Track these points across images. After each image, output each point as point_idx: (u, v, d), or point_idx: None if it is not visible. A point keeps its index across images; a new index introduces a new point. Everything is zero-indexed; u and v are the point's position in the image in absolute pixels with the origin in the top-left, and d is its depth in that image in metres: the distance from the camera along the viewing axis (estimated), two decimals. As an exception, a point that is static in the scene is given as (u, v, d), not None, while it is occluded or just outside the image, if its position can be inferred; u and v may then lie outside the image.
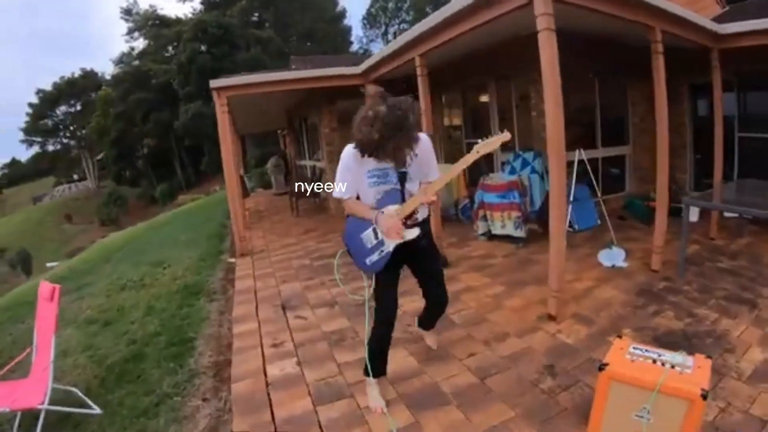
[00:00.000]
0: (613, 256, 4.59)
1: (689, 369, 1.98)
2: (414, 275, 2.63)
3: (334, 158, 8.72)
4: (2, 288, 16.53)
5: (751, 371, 2.61)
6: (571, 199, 5.26)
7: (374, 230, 2.33)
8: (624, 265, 4.46)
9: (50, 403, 2.82)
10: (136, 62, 41.77)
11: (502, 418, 2.38)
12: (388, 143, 2.04)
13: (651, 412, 1.97)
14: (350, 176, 2.32)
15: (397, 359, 3.02)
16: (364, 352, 2.54)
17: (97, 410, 3.01)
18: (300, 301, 4.32)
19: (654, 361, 2.04)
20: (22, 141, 50.31)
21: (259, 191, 16.69)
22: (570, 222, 5.80)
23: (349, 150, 2.26)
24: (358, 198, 2.42)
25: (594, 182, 5.36)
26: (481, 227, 5.69)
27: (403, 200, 2.32)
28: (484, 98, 7.07)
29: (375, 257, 2.36)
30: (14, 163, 71.14)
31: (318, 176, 9.85)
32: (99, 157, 47.00)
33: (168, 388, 3.20)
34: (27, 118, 48.24)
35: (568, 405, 2.45)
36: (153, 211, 31.01)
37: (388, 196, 2.32)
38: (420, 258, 2.52)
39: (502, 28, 4.32)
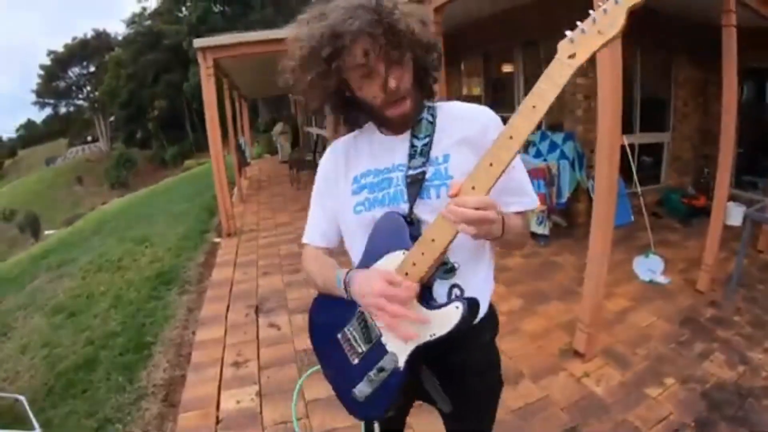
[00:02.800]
0: (650, 267, 3.87)
1: None
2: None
3: (341, 129, 8.03)
4: (12, 252, 16.58)
5: None
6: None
7: (360, 317, 1.01)
8: (664, 281, 3.73)
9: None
10: (148, 23, 40.78)
11: None
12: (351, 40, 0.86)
13: None
14: (323, 200, 1.15)
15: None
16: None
17: (36, 431, 2.70)
18: (277, 303, 3.71)
19: None
20: (34, 103, 50.13)
21: (266, 157, 16.07)
22: None
23: (329, 149, 1.18)
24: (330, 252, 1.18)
25: (634, 172, 4.59)
26: None
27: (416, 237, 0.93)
28: (507, 67, 6.23)
29: (367, 389, 1.00)
30: (29, 124, 71.35)
31: (322, 146, 9.16)
32: (111, 119, 46.70)
33: (111, 411, 2.80)
34: (39, 80, 47.94)
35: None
36: (163, 174, 30.81)
37: (383, 229, 1.00)
38: (456, 389, 1.07)
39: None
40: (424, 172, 0.98)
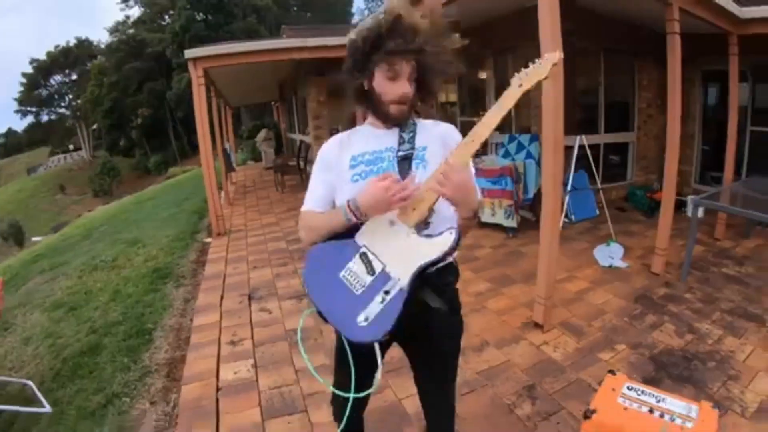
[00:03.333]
0: (610, 254, 4.26)
1: (692, 422, 1.66)
2: (410, 364, 1.55)
3: (322, 134, 8.41)
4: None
5: (756, 406, 2.29)
6: (569, 188, 4.91)
7: (362, 255, 1.26)
8: (622, 265, 4.12)
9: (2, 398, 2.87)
10: (131, 31, 40.67)
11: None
12: (381, 47, 1.27)
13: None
14: (323, 175, 1.42)
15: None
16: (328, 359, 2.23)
17: (46, 409, 2.91)
18: (268, 291, 4.02)
19: (651, 410, 1.71)
20: (17, 111, 49.49)
21: (250, 164, 16.27)
22: (566, 212, 5.47)
23: (326, 146, 1.46)
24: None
25: (594, 170, 4.99)
26: None
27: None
28: (482, 74, 6.63)
29: (375, 309, 1.20)
30: (10, 133, 70.31)
31: (304, 152, 9.47)
32: (94, 127, 46.29)
33: (118, 387, 3.01)
34: (21, 88, 47.33)
35: (546, 437, 2.13)
36: (146, 182, 30.67)
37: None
38: (425, 334, 1.42)
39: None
40: (411, 153, 1.32)
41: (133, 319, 3.92)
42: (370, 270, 1.24)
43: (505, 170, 4.74)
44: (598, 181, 5.07)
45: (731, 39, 4.47)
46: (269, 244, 5.47)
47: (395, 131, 1.37)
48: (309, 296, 1.31)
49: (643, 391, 1.80)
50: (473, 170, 1.33)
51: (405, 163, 1.31)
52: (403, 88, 1.30)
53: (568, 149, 4.79)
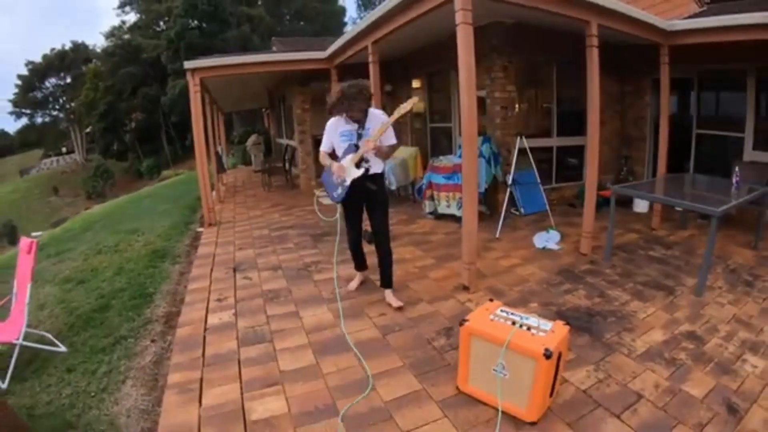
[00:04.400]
0: (547, 239, 4.97)
1: (544, 332, 2.18)
2: (367, 213, 3.60)
3: (306, 139, 9.12)
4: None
5: (644, 350, 2.80)
6: (509, 181, 5.65)
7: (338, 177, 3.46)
8: (556, 247, 4.83)
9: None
10: (127, 36, 41.25)
11: (389, 366, 2.76)
12: (346, 103, 3.23)
13: (506, 367, 2.18)
14: (328, 136, 3.49)
15: (318, 314, 3.53)
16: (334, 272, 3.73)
17: (63, 348, 3.53)
18: (249, 265, 4.77)
19: (513, 323, 2.25)
20: (11, 113, 49.85)
21: (240, 167, 16.98)
22: (516, 205, 6.21)
23: (330, 120, 3.46)
24: (333, 153, 3.53)
25: (534, 169, 5.75)
26: (428, 206, 6.11)
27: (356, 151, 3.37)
28: (441, 86, 7.41)
29: (339, 190, 3.40)
30: (2, 135, 70.28)
31: (290, 155, 10.18)
32: (87, 130, 46.69)
33: (125, 332, 3.72)
34: (16, 90, 47.73)
35: (452, 361, 2.74)
36: (139, 185, 31.05)
37: (349, 149, 3.36)
38: (370, 200, 3.51)
39: (437, 23, 4.60)
40: (361, 134, 3.35)
41: (136, 286, 4.64)
42: (339, 179, 3.40)
43: (457, 167, 5.50)
44: (538, 178, 5.82)
45: (662, 50, 5.11)
46: (254, 232, 6.21)
47: (357, 125, 3.38)
48: (322, 179, 3.63)
49: (512, 313, 2.37)
50: (383, 145, 3.36)
51: (358, 136, 3.35)
52: (357, 113, 3.33)
53: (522, 151, 5.54)
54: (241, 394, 2.56)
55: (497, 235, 5.28)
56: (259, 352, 3.02)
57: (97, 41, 58.72)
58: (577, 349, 2.85)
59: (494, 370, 2.24)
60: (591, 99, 4.44)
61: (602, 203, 6.07)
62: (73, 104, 45.93)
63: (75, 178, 41.26)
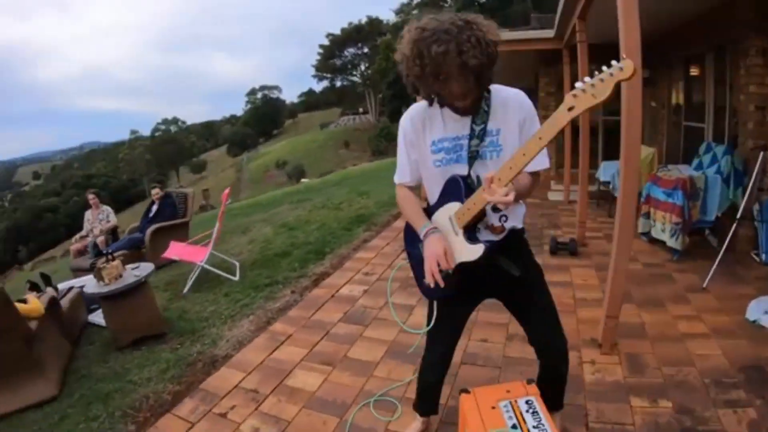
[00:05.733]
0: (766, 310, 3.26)
1: None
2: (515, 314, 1.75)
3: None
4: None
5: None
6: (755, 214, 4.10)
7: None
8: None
9: (210, 266, 4.35)
10: (415, 12, 44.93)
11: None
12: (429, 71, 1.27)
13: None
14: (409, 151, 1.57)
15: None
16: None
17: (236, 278, 4.39)
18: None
19: (513, 427, 1.48)
20: (314, 76, 61.39)
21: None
22: (757, 249, 4.44)
23: (407, 112, 1.58)
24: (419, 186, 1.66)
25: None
26: (641, 225, 4.89)
27: (469, 194, 1.42)
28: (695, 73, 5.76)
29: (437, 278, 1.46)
30: (310, 93, 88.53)
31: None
32: (380, 95, 52.76)
33: (280, 278, 4.25)
34: (318, 57, 58.09)
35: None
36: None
37: (453, 187, 1.47)
38: (512, 289, 1.64)
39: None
40: (478, 150, 1.43)
41: (320, 243, 5.16)
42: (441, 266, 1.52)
43: (679, 183, 4.31)
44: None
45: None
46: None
47: (469, 117, 1.45)
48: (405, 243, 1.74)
49: (529, 412, 1.55)
50: (525, 178, 1.43)
51: (473, 159, 1.45)
52: (457, 89, 1.33)
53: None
54: (300, 360, 2.78)
55: (704, 285, 3.71)
56: (348, 331, 3.09)
57: (389, 17, 66.26)
58: None
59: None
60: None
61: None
62: (368, 71, 53.06)
63: (364, 135, 47.60)
